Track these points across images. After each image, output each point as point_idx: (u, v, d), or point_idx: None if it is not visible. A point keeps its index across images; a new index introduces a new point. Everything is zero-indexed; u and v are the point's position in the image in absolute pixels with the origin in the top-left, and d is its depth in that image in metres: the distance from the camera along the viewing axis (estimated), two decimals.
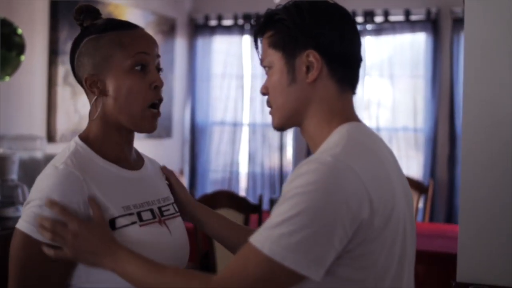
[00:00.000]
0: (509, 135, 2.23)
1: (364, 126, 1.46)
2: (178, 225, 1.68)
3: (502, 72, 2.26)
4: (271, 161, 6.29)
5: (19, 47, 4.14)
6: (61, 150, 1.60)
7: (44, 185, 1.46)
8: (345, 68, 1.43)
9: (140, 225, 1.54)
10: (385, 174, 1.35)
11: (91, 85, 1.56)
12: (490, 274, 2.23)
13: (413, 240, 1.47)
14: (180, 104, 6.43)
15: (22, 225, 1.45)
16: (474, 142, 2.28)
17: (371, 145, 1.40)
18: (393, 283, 1.34)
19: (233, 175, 6.44)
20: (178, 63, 6.33)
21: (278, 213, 1.26)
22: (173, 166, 6.16)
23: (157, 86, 1.57)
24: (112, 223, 1.49)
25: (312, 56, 1.40)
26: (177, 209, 1.73)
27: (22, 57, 4.16)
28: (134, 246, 1.49)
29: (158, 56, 1.61)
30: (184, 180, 6.11)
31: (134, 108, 1.55)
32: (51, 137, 4.71)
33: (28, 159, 4.12)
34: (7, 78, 4.13)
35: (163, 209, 1.66)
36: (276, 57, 1.44)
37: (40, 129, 4.66)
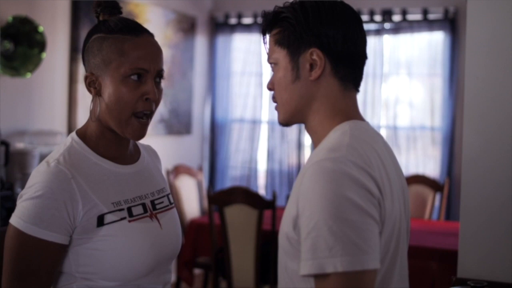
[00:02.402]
0: (509, 135, 2.26)
1: (366, 124, 1.49)
2: (170, 218, 1.72)
3: (504, 72, 2.28)
4: (290, 158, 6.33)
5: (41, 45, 4.25)
6: (58, 145, 1.66)
7: (35, 181, 1.52)
8: (348, 66, 1.46)
9: (129, 221, 1.59)
10: (384, 173, 1.39)
11: (90, 84, 1.62)
12: (489, 270, 2.27)
13: (407, 239, 1.51)
14: (200, 101, 6.49)
15: (13, 219, 1.52)
16: (475, 142, 2.32)
17: (372, 144, 1.43)
18: (383, 279, 1.38)
19: (252, 172, 6.49)
20: (198, 60, 6.39)
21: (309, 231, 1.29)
22: (192, 162, 6.23)
23: (148, 98, 1.60)
24: (100, 219, 1.55)
25: (315, 54, 1.43)
26: (171, 201, 1.78)
27: (43, 54, 4.27)
28: (122, 242, 1.56)
29: (160, 69, 1.63)
30: (204, 177, 6.18)
31: (122, 115, 1.59)
32: (71, 132, 4.79)
33: (49, 153, 4.21)
34: (28, 75, 4.24)
35: (156, 202, 1.70)
36: (281, 54, 1.47)
37: (60, 125, 4.74)
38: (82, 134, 1.65)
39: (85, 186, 1.55)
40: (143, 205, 1.65)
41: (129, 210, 1.61)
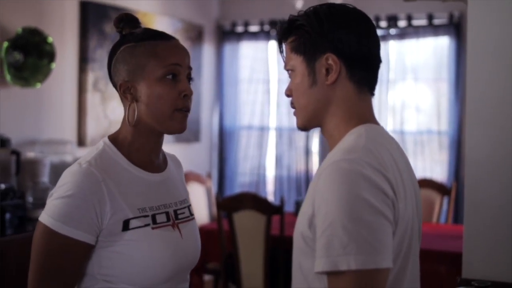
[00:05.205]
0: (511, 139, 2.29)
1: (381, 128, 1.53)
2: (191, 229, 1.76)
3: (506, 75, 2.31)
4: (298, 164, 6.36)
5: (50, 55, 4.31)
6: (90, 149, 1.69)
7: (66, 181, 1.56)
8: (363, 70, 1.50)
9: (153, 228, 1.62)
10: (398, 174, 1.43)
11: (125, 91, 1.65)
12: (494, 270, 2.29)
13: (419, 239, 1.53)
14: (208, 109, 6.54)
15: (43, 217, 1.55)
16: (478, 144, 2.34)
17: (387, 146, 1.47)
18: (396, 279, 1.40)
19: (260, 179, 6.53)
20: (206, 68, 6.44)
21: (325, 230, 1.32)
22: (201, 169, 6.27)
23: (186, 95, 1.65)
24: (126, 223, 1.58)
25: (331, 59, 1.46)
26: (192, 212, 1.80)
27: (53, 65, 4.33)
28: (144, 248, 1.59)
29: (190, 68, 1.70)
30: (212, 184, 6.22)
31: (164, 112, 1.63)
32: (81, 141, 4.84)
33: (59, 162, 4.27)
34: (38, 85, 4.29)
35: (178, 212, 1.73)
36: (297, 61, 1.51)
37: (70, 134, 4.79)
38: (114, 139, 1.68)
39: (114, 189, 1.58)
40: (167, 213, 1.68)
41: (153, 217, 1.64)
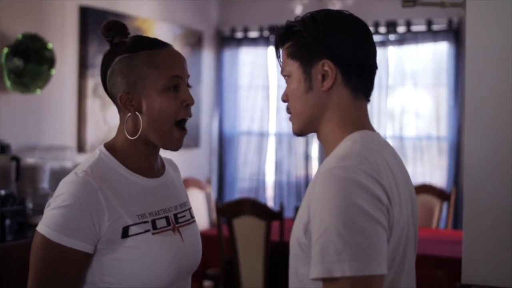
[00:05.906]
0: (511, 144, 2.29)
1: (376, 134, 1.54)
2: (191, 232, 1.76)
3: (505, 80, 2.32)
4: (297, 170, 6.37)
5: (50, 61, 4.31)
6: (86, 157, 1.69)
7: (62, 191, 1.56)
8: (359, 76, 1.50)
9: (153, 233, 1.62)
10: (393, 181, 1.43)
11: (126, 102, 1.63)
12: (494, 275, 2.29)
13: (415, 246, 1.54)
14: (208, 115, 6.55)
15: (40, 227, 1.55)
16: (477, 148, 2.35)
17: (382, 153, 1.47)
18: (391, 285, 1.41)
19: (260, 184, 6.53)
20: (205, 74, 6.45)
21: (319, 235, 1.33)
22: (201, 175, 6.27)
23: (188, 104, 1.65)
24: (125, 230, 1.58)
25: (327, 66, 1.47)
26: (193, 215, 1.81)
27: (53, 71, 4.34)
28: (145, 254, 1.59)
29: (188, 75, 1.69)
30: (212, 189, 6.22)
31: (165, 126, 1.63)
32: (81, 147, 4.85)
33: (59, 168, 4.27)
34: (38, 91, 4.30)
35: (179, 215, 1.73)
36: (294, 66, 1.51)
37: (70, 140, 4.79)
38: (111, 147, 1.67)
39: (111, 197, 1.58)
40: (167, 218, 1.68)
41: (153, 222, 1.64)
